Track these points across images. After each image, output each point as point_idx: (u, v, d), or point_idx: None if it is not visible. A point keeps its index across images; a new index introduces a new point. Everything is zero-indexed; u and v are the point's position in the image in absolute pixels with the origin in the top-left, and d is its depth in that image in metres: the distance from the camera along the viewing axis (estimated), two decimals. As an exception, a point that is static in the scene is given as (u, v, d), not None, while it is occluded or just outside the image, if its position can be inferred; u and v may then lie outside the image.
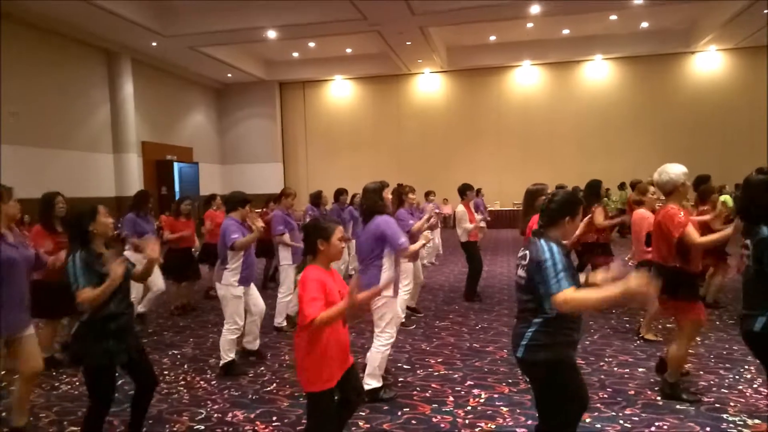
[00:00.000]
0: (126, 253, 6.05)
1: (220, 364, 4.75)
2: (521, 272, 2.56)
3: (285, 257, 6.18)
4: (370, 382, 3.98)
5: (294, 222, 6.39)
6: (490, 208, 18.20)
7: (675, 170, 3.84)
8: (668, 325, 5.81)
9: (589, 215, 5.26)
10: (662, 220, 3.83)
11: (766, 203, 2.83)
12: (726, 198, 7.55)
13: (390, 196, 4.64)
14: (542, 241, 2.47)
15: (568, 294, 2.29)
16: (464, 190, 7.45)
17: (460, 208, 7.46)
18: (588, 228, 6.81)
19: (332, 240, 2.76)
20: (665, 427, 3.47)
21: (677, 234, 3.66)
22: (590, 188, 6.79)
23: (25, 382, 3.54)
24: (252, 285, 4.96)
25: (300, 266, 3.14)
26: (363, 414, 3.77)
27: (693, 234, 3.64)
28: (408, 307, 6.36)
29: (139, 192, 6.95)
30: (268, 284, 8.60)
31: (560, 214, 2.55)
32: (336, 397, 2.78)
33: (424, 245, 4.44)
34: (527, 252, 2.54)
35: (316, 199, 8.01)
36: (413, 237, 5.01)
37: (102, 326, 2.94)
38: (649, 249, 4.50)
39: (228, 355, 4.73)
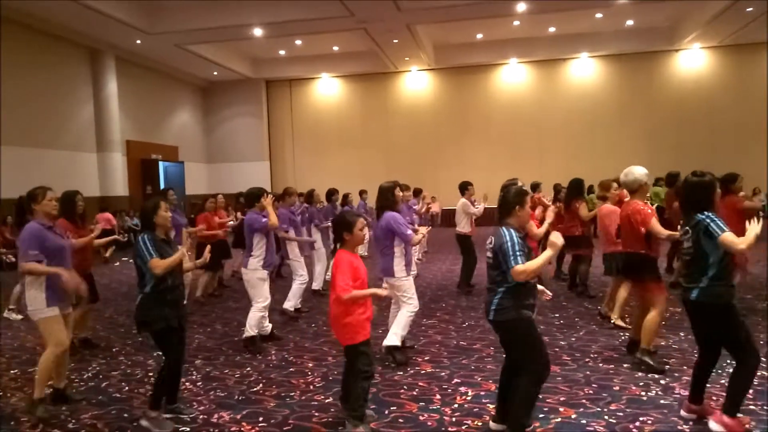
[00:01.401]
0: None
1: (243, 337, 5.35)
2: (489, 254, 3.23)
3: (292, 251, 6.84)
4: (393, 340, 4.79)
5: (298, 219, 6.99)
6: (477, 206, 18.26)
7: (639, 171, 4.53)
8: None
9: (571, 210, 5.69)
10: (630, 214, 4.51)
11: (698, 198, 3.36)
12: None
13: (402, 194, 5.16)
14: (503, 229, 3.17)
15: (521, 266, 3.00)
16: (465, 187, 7.99)
17: (462, 201, 7.89)
18: (569, 222, 7.21)
19: (354, 230, 3.49)
20: (649, 421, 3.50)
21: (647, 225, 4.33)
22: (573, 185, 7.33)
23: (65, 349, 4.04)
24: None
25: (333, 251, 3.91)
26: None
27: (657, 225, 4.33)
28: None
29: (162, 189, 7.68)
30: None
31: (512, 205, 3.21)
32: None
33: (424, 236, 5.26)
34: (493, 238, 3.22)
35: (309, 197, 8.57)
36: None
37: (161, 296, 3.60)
38: (619, 240, 5.07)
39: (252, 330, 5.28)
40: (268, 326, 5.63)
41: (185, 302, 6.62)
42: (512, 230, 3.13)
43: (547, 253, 3.07)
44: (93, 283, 5.48)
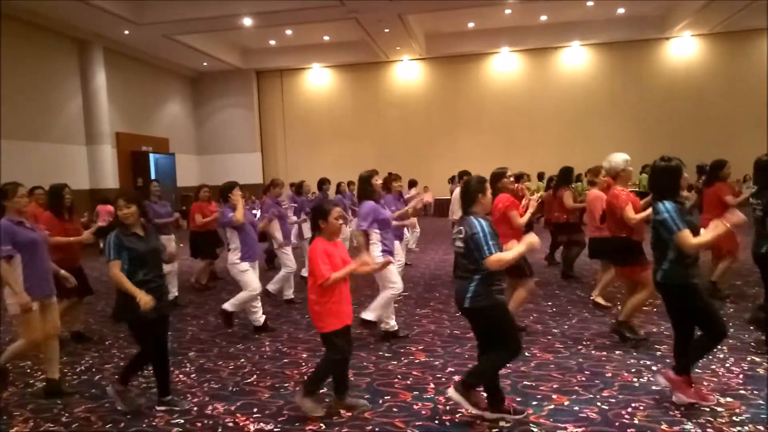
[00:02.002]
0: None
1: (222, 308, 5.50)
2: (459, 243, 3.32)
3: (277, 239, 6.91)
4: (368, 315, 4.94)
5: (283, 210, 7.09)
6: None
7: (617, 158, 4.69)
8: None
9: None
10: (610, 199, 4.69)
11: (663, 184, 3.49)
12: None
13: (380, 182, 5.22)
14: (472, 218, 3.28)
15: (495, 256, 3.14)
16: (463, 176, 8.28)
17: (459, 191, 7.85)
18: (556, 209, 7.41)
19: (330, 219, 3.52)
20: (641, 407, 3.53)
21: (620, 211, 4.51)
22: (562, 173, 7.51)
23: (51, 339, 4.15)
24: (255, 264, 5.53)
25: (310, 240, 4.00)
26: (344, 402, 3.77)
27: (629, 212, 4.48)
28: None
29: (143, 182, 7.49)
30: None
31: (475, 194, 3.35)
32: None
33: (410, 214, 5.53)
34: (462, 228, 3.31)
35: (299, 188, 8.67)
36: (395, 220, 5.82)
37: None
38: (603, 225, 5.26)
39: (232, 306, 5.43)
40: (262, 317, 5.65)
41: (173, 293, 6.76)
42: (481, 219, 3.26)
43: (520, 248, 3.25)
44: (84, 276, 5.45)
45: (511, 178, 5.13)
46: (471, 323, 3.49)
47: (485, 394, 3.45)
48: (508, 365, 4.31)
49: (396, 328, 5.21)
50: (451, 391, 3.40)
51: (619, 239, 4.69)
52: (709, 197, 6.07)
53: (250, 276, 5.42)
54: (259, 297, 5.59)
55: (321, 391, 3.73)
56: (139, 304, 3.45)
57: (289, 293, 6.92)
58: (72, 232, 5.27)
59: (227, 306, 5.46)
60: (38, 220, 5.59)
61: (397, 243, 6.44)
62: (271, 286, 6.76)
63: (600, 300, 5.79)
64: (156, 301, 3.57)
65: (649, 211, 4.17)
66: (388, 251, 5.06)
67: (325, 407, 3.64)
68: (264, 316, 5.70)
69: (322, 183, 8.95)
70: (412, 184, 11.33)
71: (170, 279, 6.64)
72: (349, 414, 3.59)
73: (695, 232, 3.38)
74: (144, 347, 3.75)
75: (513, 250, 3.26)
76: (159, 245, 3.85)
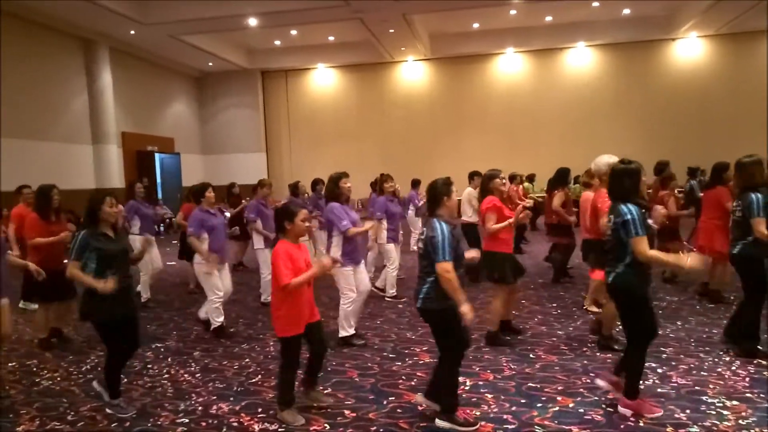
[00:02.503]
0: (132, 237, 6.69)
1: (211, 329, 5.50)
2: (420, 244, 3.36)
3: (258, 242, 6.85)
4: (341, 332, 5.03)
5: (269, 211, 6.88)
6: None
7: (601, 161, 4.64)
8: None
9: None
10: (594, 201, 4.75)
11: (623, 186, 3.42)
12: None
13: (348, 185, 5.12)
14: (435, 221, 3.30)
15: (446, 266, 3.16)
16: (472, 177, 8.48)
17: (468, 191, 8.14)
18: (550, 210, 7.41)
19: (296, 221, 3.52)
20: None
21: (601, 214, 4.48)
22: (558, 175, 7.47)
23: None
24: (225, 266, 5.56)
25: (273, 243, 3.93)
26: (349, 403, 3.78)
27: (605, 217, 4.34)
28: (374, 286, 6.88)
29: (129, 182, 7.55)
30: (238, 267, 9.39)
31: (440, 196, 3.37)
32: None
33: (368, 230, 5.30)
34: (425, 229, 3.34)
35: (294, 189, 8.68)
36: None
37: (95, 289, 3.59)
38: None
39: (216, 320, 5.47)
40: (219, 320, 5.53)
41: (143, 295, 6.84)
42: (443, 223, 3.28)
43: (461, 296, 3.20)
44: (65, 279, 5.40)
45: (504, 180, 5.02)
46: (428, 324, 3.52)
47: (432, 383, 3.52)
48: (512, 368, 4.32)
49: (351, 333, 5.08)
50: (441, 422, 3.36)
51: (599, 242, 4.48)
52: (710, 200, 5.97)
53: (212, 279, 5.37)
54: (221, 300, 5.49)
55: (324, 390, 3.73)
56: (100, 302, 3.54)
57: (266, 296, 6.73)
58: (57, 234, 5.22)
59: (201, 314, 5.58)
60: (25, 221, 5.61)
61: (389, 245, 6.85)
62: (264, 295, 6.72)
63: (592, 308, 5.74)
64: (121, 305, 3.63)
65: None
66: (349, 254, 4.96)
67: (330, 405, 3.65)
68: (222, 318, 5.57)
69: (316, 184, 8.84)
70: (416, 183, 11.26)
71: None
72: (354, 414, 3.60)
73: (651, 241, 3.34)
74: (108, 347, 3.77)
75: (460, 291, 3.18)
76: (128, 246, 3.96)
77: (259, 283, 7.02)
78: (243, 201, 9.15)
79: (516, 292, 5.21)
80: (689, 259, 3.28)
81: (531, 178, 14.98)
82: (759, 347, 4.39)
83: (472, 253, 3.70)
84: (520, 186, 10.78)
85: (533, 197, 7.57)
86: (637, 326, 3.40)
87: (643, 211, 3.36)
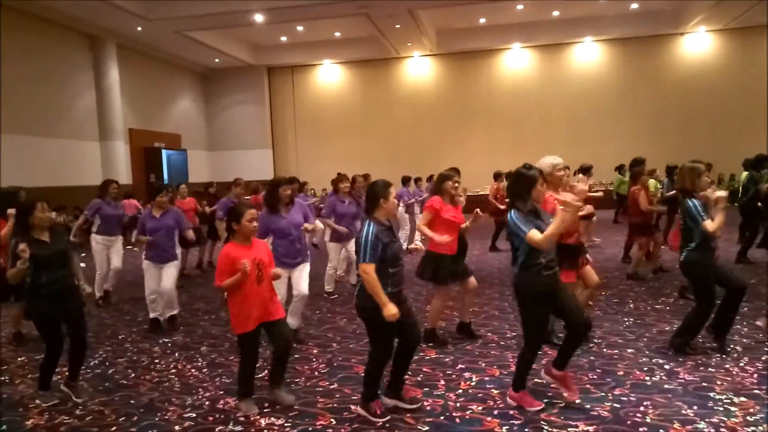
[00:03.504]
0: (92, 236, 6.93)
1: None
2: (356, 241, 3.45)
3: (222, 239, 7.10)
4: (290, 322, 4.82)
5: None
6: (480, 192, 18.24)
7: (543, 162, 4.64)
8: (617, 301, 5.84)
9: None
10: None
11: (516, 190, 3.48)
12: (651, 182, 8.25)
13: (288, 192, 5.08)
14: (367, 221, 3.36)
15: (365, 267, 3.25)
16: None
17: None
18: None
19: (242, 221, 3.56)
20: (654, 406, 3.50)
21: None
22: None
23: None
24: (171, 263, 5.74)
25: (225, 241, 3.93)
26: (355, 398, 3.78)
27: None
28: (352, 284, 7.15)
29: (105, 180, 7.39)
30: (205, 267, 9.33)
31: (377, 198, 3.39)
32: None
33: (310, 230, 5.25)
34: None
35: (300, 187, 8.67)
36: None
37: (37, 291, 3.78)
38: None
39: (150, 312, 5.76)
40: (153, 314, 5.78)
41: (97, 293, 6.89)
42: (373, 224, 3.33)
43: (377, 288, 3.27)
44: None
45: (456, 183, 4.86)
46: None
47: (388, 380, 3.62)
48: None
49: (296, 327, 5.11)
50: (357, 408, 3.57)
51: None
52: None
53: (148, 277, 5.71)
54: (156, 296, 5.73)
55: (329, 388, 3.73)
56: (40, 303, 3.75)
57: None
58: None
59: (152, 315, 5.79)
60: None
61: (331, 244, 7.00)
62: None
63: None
64: (62, 304, 3.80)
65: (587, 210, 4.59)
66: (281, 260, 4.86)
67: (337, 401, 3.66)
68: (157, 314, 5.76)
69: (293, 181, 8.95)
70: (405, 180, 11.14)
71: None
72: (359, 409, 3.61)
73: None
74: (47, 345, 3.88)
75: (379, 290, 3.25)
76: (66, 247, 3.98)
77: None
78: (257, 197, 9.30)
79: (470, 295, 5.08)
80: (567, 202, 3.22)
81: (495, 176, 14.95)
82: (690, 346, 4.40)
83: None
84: (501, 185, 10.65)
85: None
86: (526, 323, 3.52)
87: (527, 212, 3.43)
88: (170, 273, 5.74)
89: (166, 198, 5.97)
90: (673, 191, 8.03)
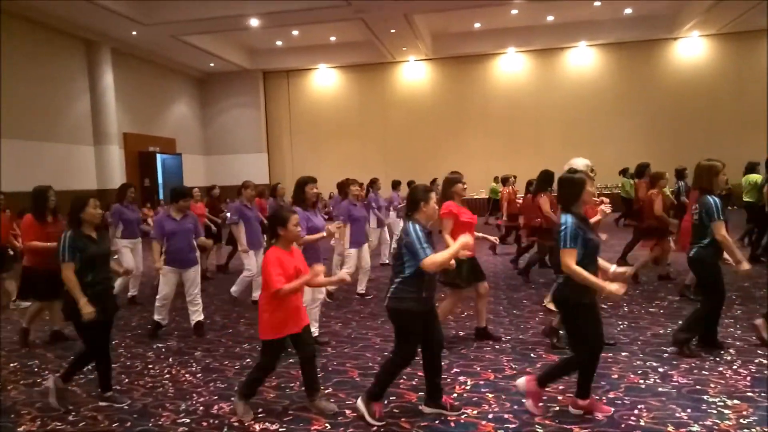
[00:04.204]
0: (116, 240, 6.85)
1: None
2: (395, 245, 3.56)
3: (241, 243, 6.84)
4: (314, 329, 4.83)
5: (251, 213, 6.96)
6: (476, 197, 18.29)
7: (577, 163, 4.61)
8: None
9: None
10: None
11: (565, 196, 3.43)
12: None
13: (314, 191, 5.05)
14: (409, 223, 3.39)
15: (428, 259, 3.23)
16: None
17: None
18: (534, 213, 7.37)
19: (288, 226, 3.52)
20: (647, 409, 3.51)
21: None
22: (541, 177, 7.26)
23: None
24: (194, 267, 5.61)
25: (265, 248, 3.83)
26: (350, 403, 3.78)
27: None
28: (358, 293, 7.16)
29: (122, 185, 7.39)
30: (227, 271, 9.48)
31: (417, 202, 3.44)
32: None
33: (323, 238, 4.92)
34: (401, 233, 3.44)
35: (273, 191, 8.64)
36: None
37: (82, 290, 3.68)
38: None
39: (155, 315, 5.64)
40: (159, 318, 5.66)
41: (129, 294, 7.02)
42: (417, 225, 3.36)
43: (451, 250, 3.36)
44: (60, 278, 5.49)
45: (465, 186, 4.93)
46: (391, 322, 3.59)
47: (426, 390, 3.62)
48: (513, 367, 4.32)
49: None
50: (358, 403, 3.54)
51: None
52: (691, 201, 6.03)
53: (164, 281, 5.58)
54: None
55: (323, 392, 3.73)
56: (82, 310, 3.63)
57: (256, 294, 6.82)
58: (54, 236, 5.13)
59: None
60: (9, 225, 5.74)
61: (351, 250, 6.83)
62: (233, 289, 6.93)
63: (551, 306, 5.71)
64: (102, 306, 3.73)
65: (601, 212, 4.59)
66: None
67: (332, 408, 3.65)
68: (161, 318, 5.68)
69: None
70: (396, 185, 11.02)
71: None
72: (355, 414, 3.60)
73: (594, 252, 3.34)
74: (89, 347, 3.84)
75: (446, 251, 3.35)
76: (109, 249, 3.99)
77: (258, 283, 7.03)
78: (225, 205, 9.37)
79: (484, 299, 5.07)
80: (612, 286, 3.20)
81: (496, 179, 15.02)
82: (691, 344, 4.44)
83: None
84: (511, 188, 10.71)
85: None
86: (573, 336, 3.49)
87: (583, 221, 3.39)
88: (196, 279, 5.64)
89: (189, 202, 5.78)
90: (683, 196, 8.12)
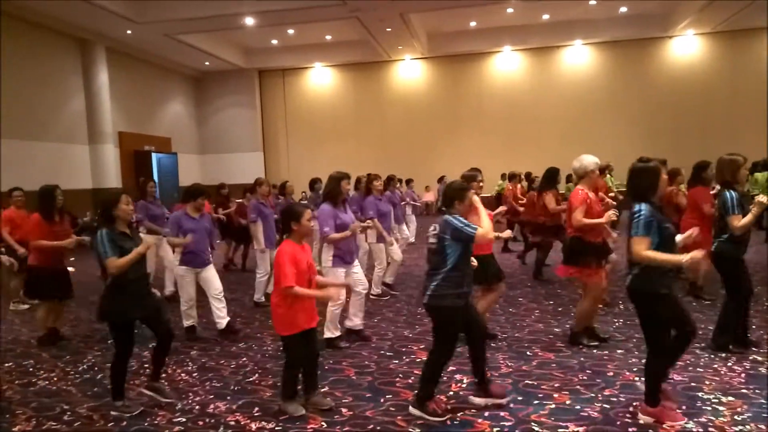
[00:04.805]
0: (147, 236, 6.62)
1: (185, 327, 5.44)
2: (432, 239, 3.44)
3: (259, 242, 6.82)
4: (327, 333, 4.90)
5: (268, 210, 6.90)
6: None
7: (587, 159, 4.66)
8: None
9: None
10: (570, 198, 4.67)
11: (640, 185, 3.33)
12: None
13: (349, 186, 5.11)
14: (446, 216, 3.41)
15: (480, 230, 3.30)
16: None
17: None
18: (539, 210, 7.33)
19: (302, 221, 3.53)
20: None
21: (571, 212, 4.57)
22: (546, 175, 7.29)
23: None
24: (208, 267, 5.41)
25: (277, 243, 3.92)
26: (346, 401, 3.78)
27: (578, 214, 4.50)
28: (384, 283, 7.11)
29: (141, 180, 7.50)
30: (231, 266, 9.62)
31: (453, 200, 3.46)
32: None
33: (348, 236, 4.94)
34: (437, 225, 3.45)
35: (282, 189, 8.60)
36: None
37: (122, 289, 3.64)
38: None
39: (185, 320, 5.45)
40: (192, 322, 5.52)
41: (160, 292, 6.83)
42: (459, 216, 3.41)
43: (486, 223, 3.42)
44: (67, 278, 5.50)
45: (481, 184, 4.96)
46: (430, 318, 3.62)
47: (476, 380, 3.68)
48: (509, 365, 4.33)
49: (337, 335, 5.01)
50: (413, 410, 3.51)
51: (574, 239, 4.64)
52: (689, 199, 6.01)
53: (182, 282, 5.37)
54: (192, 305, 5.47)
55: (321, 390, 3.73)
56: (120, 303, 3.61)
57: (258, 296, 6.86)
58: (61, 235, 5.25)
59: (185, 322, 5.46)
60: (17, 224, 5.73)
61: (379, 245, 6.89)
62: (257, 296, 6.82)
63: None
64: (141, 303, 3.70)
65: (606, 217, 4.55)
66: (340, 256, 4.93)
67: (327, 406, 3.66)
68: (193, 321, 5.51)
69: (314, 182, 8.84)
70: (389, 181, 11.08)
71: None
72: (351, 412, 3.60)
73: (670, 241, 3.22)
74: (118, 348, 3.75)
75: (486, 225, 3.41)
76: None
77: (260, 283, 6.98)
78: (231, 203, 9.41)
79: (496, 297, 5.07)
80: (690, 254, 3.13)
81: (502, 177, 15.00)
82: (731, 344, 4.41)
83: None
84: (519, 185, 10.73)
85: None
86: (659, 327, 3.29)
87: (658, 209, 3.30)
88: (214, 279, 5.44)
89: (206, 201, 5.69)
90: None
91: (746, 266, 4.43)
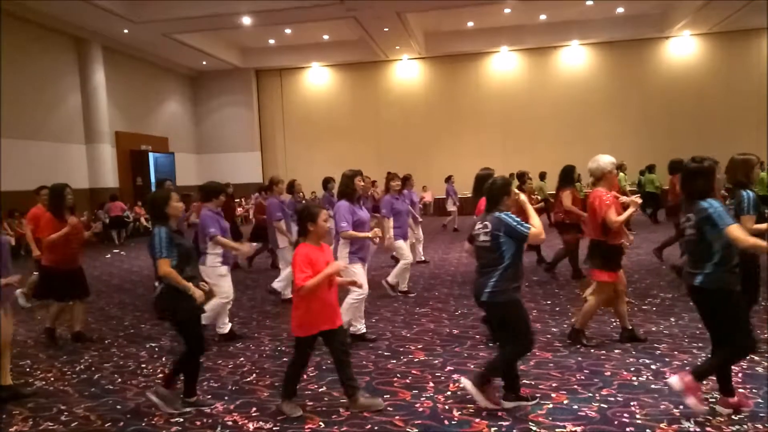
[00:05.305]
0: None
1: (219, 334, 5.31)
2: (484, 237, 3.46)
3: (282, 241, 6.86)
4: (352, 329, 4.96)
5: (289, 210, 6.97)
6: (468, 195, 18.29)
7: (604, 159, 4.63)
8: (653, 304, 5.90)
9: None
10: (591, 201, 4.61)
11: (698, 185, 3.31)
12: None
13: (362, 184, 5.11)
14: (501, 214, 3.43)
15: (533, 229, 3.37)
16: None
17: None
18: (557, 208, 7.33)
19: (318, 221, 3.49)
20: (641, 406, 3.53)
21: (602, 213, 4.46)
22: (564, 173, 7.33)
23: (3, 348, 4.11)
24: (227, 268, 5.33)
25: (294, 244, 3.87)
26: (344, 401, 3.77)
27: (611, 214, 4.41)
28: (387, 282, 7.04)
29: (159, 180, 7.70)
30: (249, 265, 9.60)
31: (500, 196, 3.50)
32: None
33: (367, 238, 4.96)
34: (487, 222, 3.46)
35: (290, 187, 8.57)
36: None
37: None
38: None
39: (220, 325, 5.30)
40: (227, 325, 5.42)
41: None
42: (508, 213, 3.44)
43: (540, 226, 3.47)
44: (83, 278, 5.50)
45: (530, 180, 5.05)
46: (489, 316, 3.65)
47: (503, 383, 3.61)
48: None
49: (363, 331, 5.11)
50: (466, 382, 3.56)
51: (594, 241, 4.65)
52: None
53: (226, 281, 5.23)
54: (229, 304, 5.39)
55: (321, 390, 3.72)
56: (195, 300, 3.57)
57: (288, 292, 6.90)
58: (72, 233, 5.27)
59: (219, 329, 5.32)
60: (40, 222, 5.73)
61: (401, 242, 6.92)
62: (278, 285, 6.87)
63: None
64: (194, 299, 3.62)
65: (629, 212, 4.51)
66: (355, 252, 4.97)
67: (325, 404, 3.65)
68: (229, 325, 5.44)
69: (327, 182, 8.71)
70: (405, 180, 11.09)
71: None
72: (348, 413, 3.60)
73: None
74: (192, 345, 3.69)
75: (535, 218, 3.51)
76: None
77: (255, 283, 7.01)
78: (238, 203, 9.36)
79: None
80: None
81: (542, 176, 14.87)
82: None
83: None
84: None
85: (539, 196, 7.75)
86: (735, 324, 3.29)
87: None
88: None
89: (224, 199, 5.63)
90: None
91: (760, 270, 4.37)
